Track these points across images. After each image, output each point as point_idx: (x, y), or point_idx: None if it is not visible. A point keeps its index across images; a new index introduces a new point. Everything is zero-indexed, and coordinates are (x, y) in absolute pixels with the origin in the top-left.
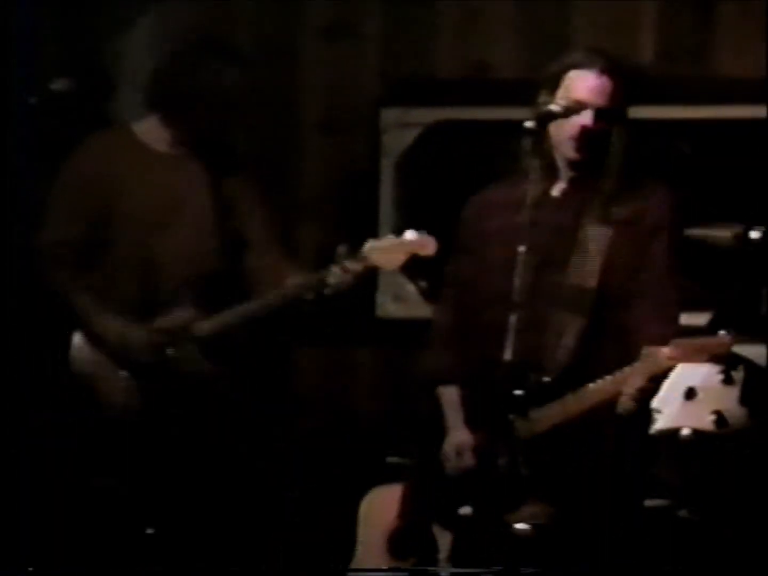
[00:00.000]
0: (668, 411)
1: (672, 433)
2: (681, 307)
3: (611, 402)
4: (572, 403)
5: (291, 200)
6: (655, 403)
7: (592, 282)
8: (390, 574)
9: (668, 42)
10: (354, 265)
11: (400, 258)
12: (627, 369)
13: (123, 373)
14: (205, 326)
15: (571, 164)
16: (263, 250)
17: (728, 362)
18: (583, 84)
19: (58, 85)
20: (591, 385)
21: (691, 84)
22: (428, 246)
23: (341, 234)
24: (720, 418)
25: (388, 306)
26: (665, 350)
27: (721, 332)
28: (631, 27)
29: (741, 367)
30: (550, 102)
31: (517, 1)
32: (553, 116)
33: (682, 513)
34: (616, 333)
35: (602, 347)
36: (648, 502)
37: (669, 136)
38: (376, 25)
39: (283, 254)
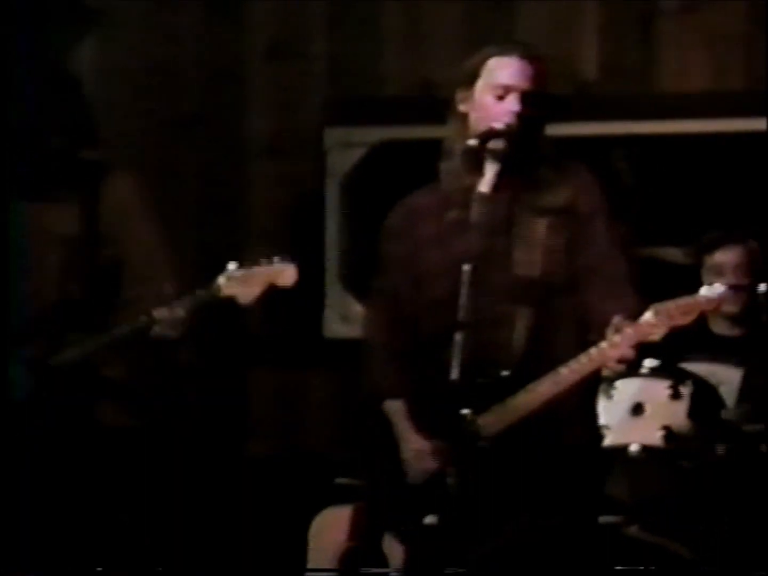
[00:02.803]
0: (616, 427)
1: (621, 449)
2: (637, 283)
3: (585, 383)
4: (545, 388)
5: (237, 222)
6: (603, 419)
7: (535, 272)
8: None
9: (611, 59)
10: (204, 296)
11: (256, 290)
12: (603, 344)
13: None
14: (61, 358)
15: (498, 157)
16: (140, 264)
17: (675, 377)
18: (505, 70)
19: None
20: (562, 368)
21: (633, 100)
22: (287, 275)
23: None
24: (668, 433)
25: (335, 326)
26: (646, 318)
27: (708, 288)
28: (574, 45)
29: (689, 382)
30: (468, 98)
31: (462, 19)
32: (495, 132)
33: (633, 530)
34: (566, 319)
35: (554, 335)
36: (600, 519)
37: (612, 152)
38: (319, 45)
39: (162, 264)
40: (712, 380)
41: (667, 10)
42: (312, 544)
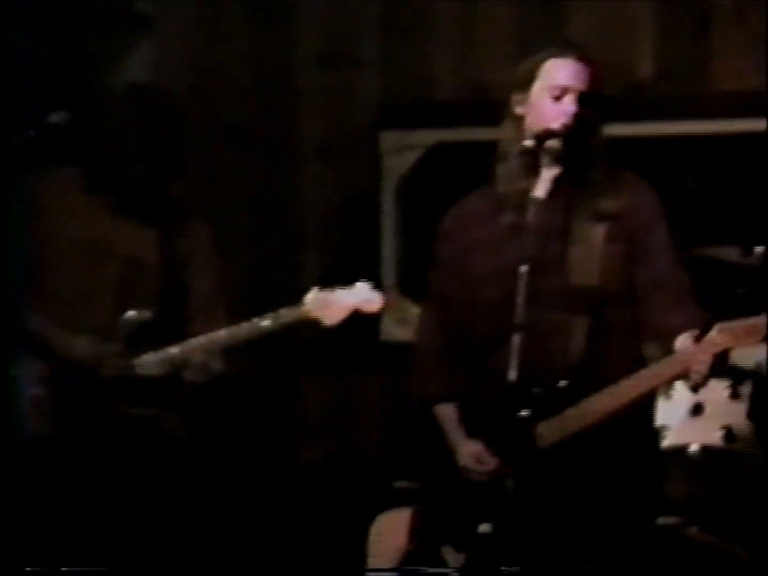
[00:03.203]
0: (676, 428)
1: (680, 450)
2: (696, 295)
3: (647, 398)
4: (607, 401)
5: (292, 228)
6: (662, 420)
7: (592, 280)
8: (387, 574)
9: (666, 59)
10: (289, 315)
11: (341, 314)
12: (668, 359)
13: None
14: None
15: (555, 158)
16: (202, 309)
17: (735, 377)
18: (562, 71)
19: (55, 118)
20: (624, 381)
21: (690, 100)
22: (374, 304)
23: (343, 260)
24: (728, 433)
25: (392, 330)
26: (711, 336)
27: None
28: (629, 45)
29: (748, 382)
30: (524, 100)
31: (514, 22)
32: (552, 133)
33: (692, 531)
34: (622, 330)
35: (610, 345)
36: (658, 520)
37: (667, 152)
38: (373, 50)
39: (220, 315)
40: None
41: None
42: (371, 548)
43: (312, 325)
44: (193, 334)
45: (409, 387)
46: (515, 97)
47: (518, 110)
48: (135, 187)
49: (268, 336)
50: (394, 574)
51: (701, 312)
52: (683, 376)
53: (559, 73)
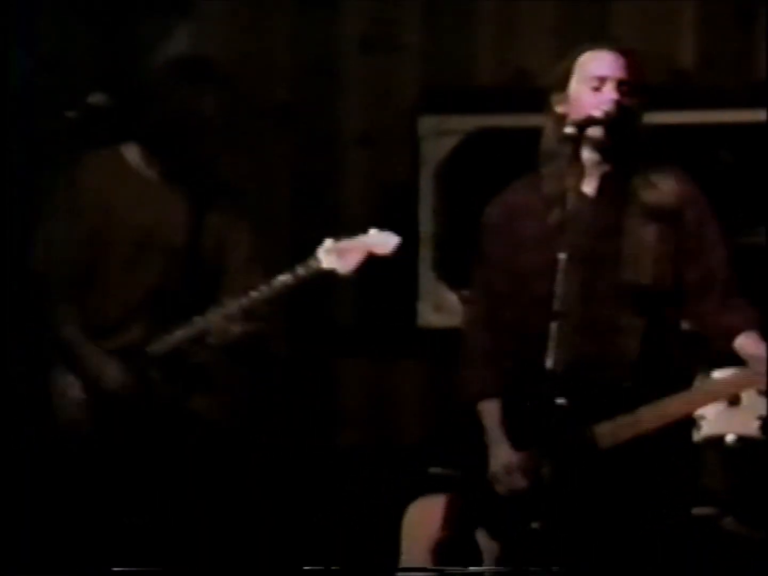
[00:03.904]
0: (712, 417)
1: (717, 440)
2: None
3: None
4: (677, 407)
5: (331, 212)
6: (699, 410)
7: (646, 278)
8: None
9: (708, 48)
10: (305, 272)
11: (354, 260)
12: (743, 372)
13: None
14: (158, 346)
15: (601, 152)
16: (239, 283)
17: None
18: (598, 61)
19: (95, 99)
20: (697, 389)
21: (732, 89)
22: (387, 245)
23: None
24: (765, 423)
25: (429, 316)
26: None
27: None
28: (671, 33)
29: None
30: (563, 98)
31: (556, 8)
32: (593, 120)
33: (728, 522)
34: (674, 329)
35: (662, 344)
36: (694, 511)
37: (711, 141)
38: (413, 34)
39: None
40: None
41: None
42: (405, 533)
43: (328, 275)
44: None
45: (455, 385)
46: (555, 98)
47: (559, 109)
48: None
49: (287, 292)
50: (421, 573)
51: (753, 310)
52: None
53: (596, 64)
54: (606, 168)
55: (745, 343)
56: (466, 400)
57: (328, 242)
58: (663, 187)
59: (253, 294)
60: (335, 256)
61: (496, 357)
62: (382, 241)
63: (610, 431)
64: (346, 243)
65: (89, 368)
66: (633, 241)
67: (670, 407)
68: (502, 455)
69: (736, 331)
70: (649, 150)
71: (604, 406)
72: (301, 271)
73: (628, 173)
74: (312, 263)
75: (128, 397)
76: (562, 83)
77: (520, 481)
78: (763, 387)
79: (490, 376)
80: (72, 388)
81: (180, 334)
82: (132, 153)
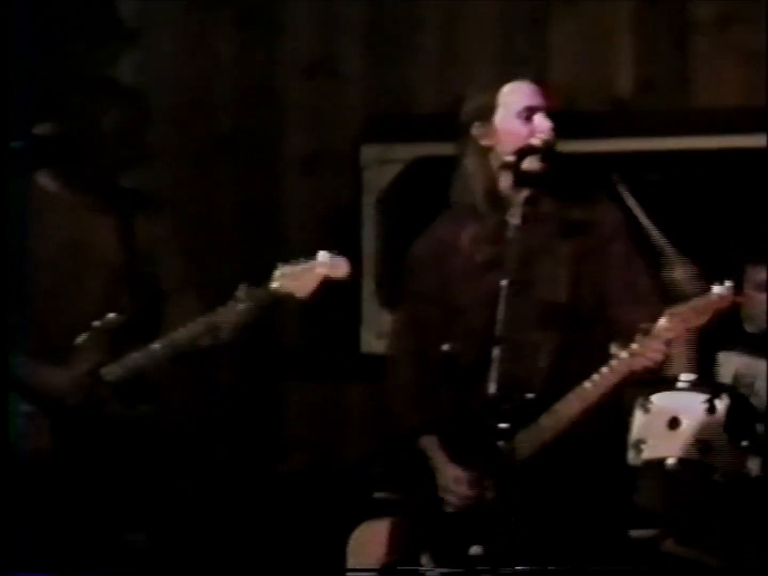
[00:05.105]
0: (653, 441)
1: (657, 463)
2: (663, 296)
3: (612, 397)
4: (571, 405)
5: (274, 239)
6: (639, 434)
7: (562, 297)
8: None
9: (646, 75)
10: (260, 294)
11: (310, 284)
12: (623, 354)
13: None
14: (114, 369)
15: (531, 177)
16: (178, 296)
17: (711, 391)
18: (524, 92)
19: (41, 129)
20: (586, 383)
21: (670, 116)
22: (340, 269)
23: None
24: (705, 446)
25: (371, 342)
26: (661, 323)
27: (720, 286)
28: (609, 60)
29: (725, 396)
30: (488, 131)
31: (495, 37)
32: (534, 148)
33: (668, 543)
34: (592, 345)
35: (580, 360)
36: (633, 533)
37: (648, 168)
38: (356, 63)
39: (196, 297)
40: (749, 374)
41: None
42: (351, 558)
43: (286, 299)
44: (168, 323)
45: (388, 415)
46: (478, 131)
47: (485, 142)
48: (99, 182)
49: (247, 318)
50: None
51: (662, 307)
52: (642, 369)
53: (523, 95)
54: (527, 194)
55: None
56: (403, 434)
57: (284, 266)
58: (579, 208)
59: (209, 317)
60: (292, 280)
61: (427, 390)
62: (335, 264)
63: (528, 437)
64: (300, 267)
65: (36, 382)
66: (552, 262)
67: (566, 405)
68: (449, 471)
69: (637, 326)
70: (568, 174)
71: (525, 420)
72: (259, 294)
73: (547, 198)
74: (269, 288)
75: (80, 406)
76: (486, 114)
77: (469, 492)
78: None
79: (424, 411)
80: (29, 415)
81: (178, 337)
82: (45, 178)
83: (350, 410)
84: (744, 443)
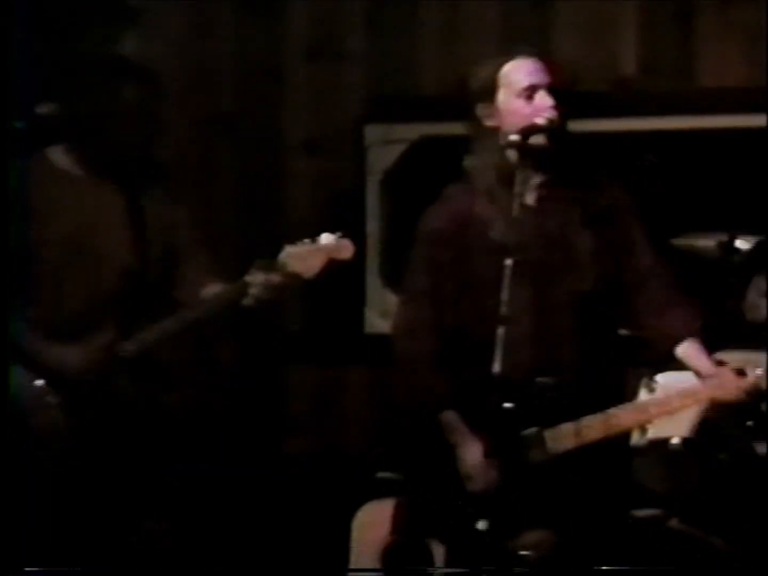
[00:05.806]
0: (658, 421)
1: (662, 443)
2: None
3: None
4: (627, 416)
5: (277, 220)
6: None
7: (586, 285)
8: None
9: (650, 55)
10: (272, 276)
11: (317, 264)
12: (699, 386)
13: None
14: (130, 347)
15: (538, 157)
16: (191, 264)
17: None
18: (526, 70)
19: (43, 109)
20: (650, 401)
21: (673, 96)
22: (345, 250)
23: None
24: (710, 426)
25: (375, 322)
26: (751, 377)
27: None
28: (612, 40)
29: None
30: (492, 111)
31: (499, 16)
32: (538, 127)
33: (673, 522)
34: (607, 331)
35: (603, 348)
36: (637, 513)
37: (651, 147)
38: (358, 43)
39: (211, 266)
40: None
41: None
42: (355, 538)
43: (294, 280)
44: (182, 298)
45: (401, 391)
46: (482, 111)
47: (489, 123)
48: (113, 158)
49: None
50: (378, 573)
51: (693, 310)
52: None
53: (524, 73)
54: (542, 177)
55: (689, 353)
56: (420, 410)
57: (290, 247)
58: (595, 193)
59: (221, 293)
60: (299, 260)
61: (443, 363)
62: (340, 245)
63: (555, 438)
64: (307, 247)
65: (48, 361)
66: (573, 248)
67: (621, 417)
68: (472, 453)
69: (678, 338)
70: (580, 155)
71: (547, 410)
72: (268, 275)
73: (563, 181)
74: (277, 267)
75: (95, 386)
76: (489, 95)
77: (491, 479)
78: (719, 397)
79: (441, 385)
80: (41, 390)
81: (214, 296)
82: (57, 154)
83: (355, 392)
84: (749, 423)
